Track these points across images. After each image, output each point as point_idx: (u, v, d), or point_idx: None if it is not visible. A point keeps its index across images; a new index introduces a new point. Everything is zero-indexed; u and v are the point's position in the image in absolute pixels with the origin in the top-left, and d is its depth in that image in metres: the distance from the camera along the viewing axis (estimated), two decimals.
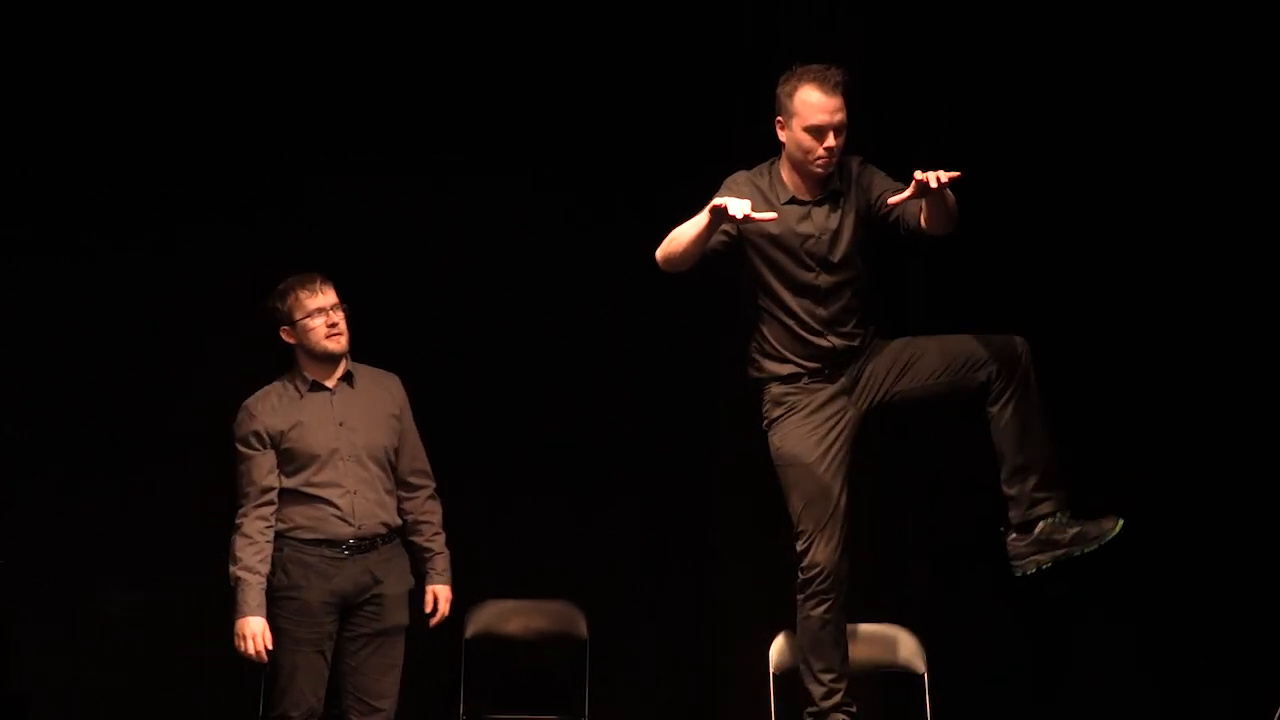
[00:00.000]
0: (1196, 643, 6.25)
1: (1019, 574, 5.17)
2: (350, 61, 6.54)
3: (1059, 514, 5.11)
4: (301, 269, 5.61)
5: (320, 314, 5.51)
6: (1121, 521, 5.07)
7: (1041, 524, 5.10)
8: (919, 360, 5.21)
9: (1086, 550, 5.09)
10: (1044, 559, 5.12)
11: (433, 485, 5.71)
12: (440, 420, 6.43)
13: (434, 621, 5.69)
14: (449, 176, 6.54)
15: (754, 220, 4.93)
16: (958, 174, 4.83)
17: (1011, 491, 5.14)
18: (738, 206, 4.87)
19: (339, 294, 5.57)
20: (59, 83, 6.47)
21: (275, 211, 6.47)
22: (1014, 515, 5.14)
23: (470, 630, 6.40)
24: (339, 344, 5.53)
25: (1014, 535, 5.15)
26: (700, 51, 6.49)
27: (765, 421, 5.29)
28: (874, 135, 5.78)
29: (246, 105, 6.52)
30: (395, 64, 6.55)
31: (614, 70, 6.55)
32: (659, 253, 5.06)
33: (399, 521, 5.60)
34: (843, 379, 5.22)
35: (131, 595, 6.48)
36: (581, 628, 6.41)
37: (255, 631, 5.37)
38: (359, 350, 5.66)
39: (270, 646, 5.37)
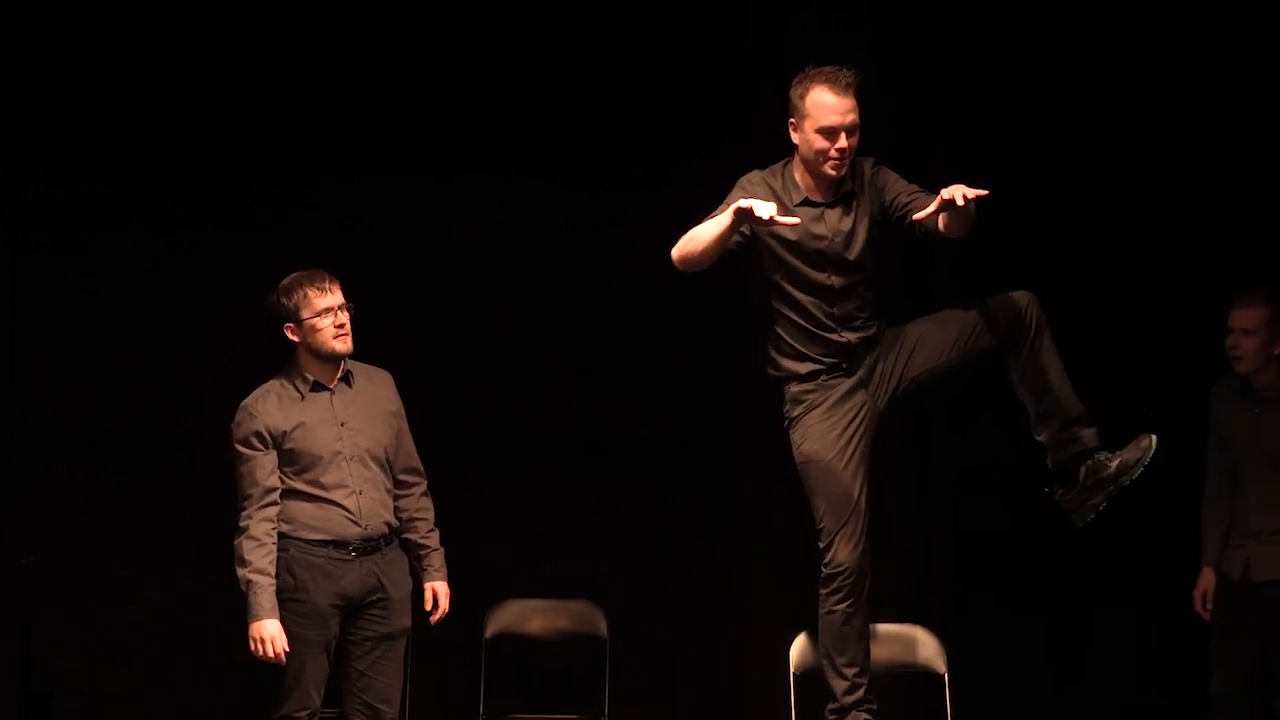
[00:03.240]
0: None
1: (1079, 525, 5.16)
2: (363, 55, 6.53)
3: (1096, 453, 5.11)
4: (332, 269, 5.52)
5: (329, 314, 5.42)
6: (1155, 437, 5.06)
7: (1083, 469, 5.10)
8: (926, 340, 5.21)
9: (1134, 477, 5.07)
10: (1097, 501, 5.11)
11: (425, 482, 5.65)
12: (461, 419, 6.48)
13: (435, 618, 5.63)
14: (472, 176, 6.53)
15: (778, 224, 4.95)
16: (984, 193, 4.83)
17: (1041, 438, 5.16)
18: (764, 209, 4.86)
19: (351, 293, 5.49)
20: (85, 88, 6.48)
21: (300, 212, 6.46)
22: (1050, 461, 5.14)
23: (490, 630, 6.41)
24: (345, 345, 5.45)
25: (1061, 490, 5.15)
26: (715, 50, 6.48)
27: (786, 420, 5.28)
28: (891, 130, 5.79)
29: (269, 109, 6.52)
30: (409, 61, 6.54)
31: (631, 67, 6.53)
32: (676, 253, 5.05)
33: (398, 521, 5.56)
34: (859, 371, 5.22)
35: (154, 595, 6.49)
36: (602, 627, 6.41)
37: (272, 634, 5.32)
38: (382, 351, 5.65)
39: (288, 649, 5.34)
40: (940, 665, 5.81)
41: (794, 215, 5.06)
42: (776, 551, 6.37)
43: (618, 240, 6.37)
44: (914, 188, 5.13)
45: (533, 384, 6.61)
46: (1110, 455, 5.10)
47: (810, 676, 5.60)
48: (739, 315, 5.53)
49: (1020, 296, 5.15)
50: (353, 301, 5.46)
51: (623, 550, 6.61)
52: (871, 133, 5.18)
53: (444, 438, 6.01)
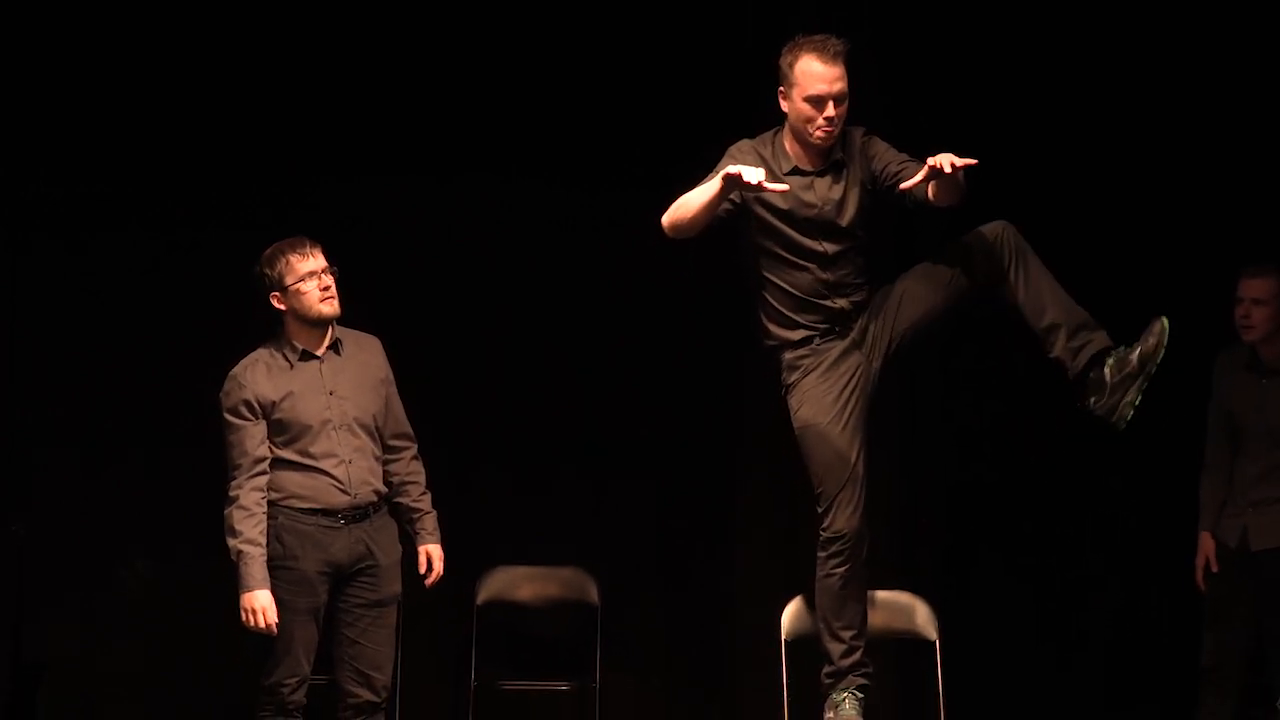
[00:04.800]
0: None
1: (1122, 427, 5.03)
2: (363, 55, 6.52)
3: (1111, 351, 5.03)
4: (337, 259, 5.53)
5: (312, 277, 5.41)
6: (1165, 318, 4.99)
7: (1107, 370, 5.00)
8: (911, 293, 5.21)
9: (1159, 360, 4.96)
10: (1131, 396, 4.99)
11: (415, 446, 5.65)
12: (460, 390, 6.48)
13: (430, 581, 5.64)
14: (472, 176, 6.52)
15: (766, 190, 4.94)
16: (973, 161, 4.83)
17: (1054, 354, 5.08)
18: (753, 174, 4.87)
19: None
20: (85, 88, 6.47)
21: (300, 212, 6.34)
22: (1070, 375, 5.06)
23: (482, 596, 6.41)
24: (333, 307, 5.44)
25: (1093, 399, 5.04)
26: (715, 50, 6.48)
27: (782, 388, 5.29)
28: (890, 128, 5.81)
29: (269, 109, 6.51)
30: (409, 61, 6.53)
31: (631, 68, 6.53)
32: (666, 219, 5.06)
33: (386, 488, 5.56)
34: (852, 333, 5.23)
35: (149, 568, 6.49)
36: (593, 594, 6.42)
37: (263, 605, 5.33)
38: (384, 331, 5.66)
39: (278, 620, 5.34)
40: (931, 632, 5.81)
41: (783, 183, 5.07)
42: (770, 519, 6.41)
43: (618, 240, 6.35)
44: (904, 157, 5.14)
45: (530, 354, 6.61)
46: (1128, 348, 5.01)
47: (802, 644, 5.61)
48: (739, 289, 5.53)
49: (994, 227, 5.14)
50: (336, 265, 5.46)
51: (615, 517, 6.61)
52: (876, 119, 5.24)
53: (443, 434, 6.01)
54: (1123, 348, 5.03)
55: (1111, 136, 6.47)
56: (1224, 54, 6.41)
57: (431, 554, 5.64)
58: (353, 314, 5.55)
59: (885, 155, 5.16)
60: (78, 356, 6.49)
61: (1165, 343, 4.97)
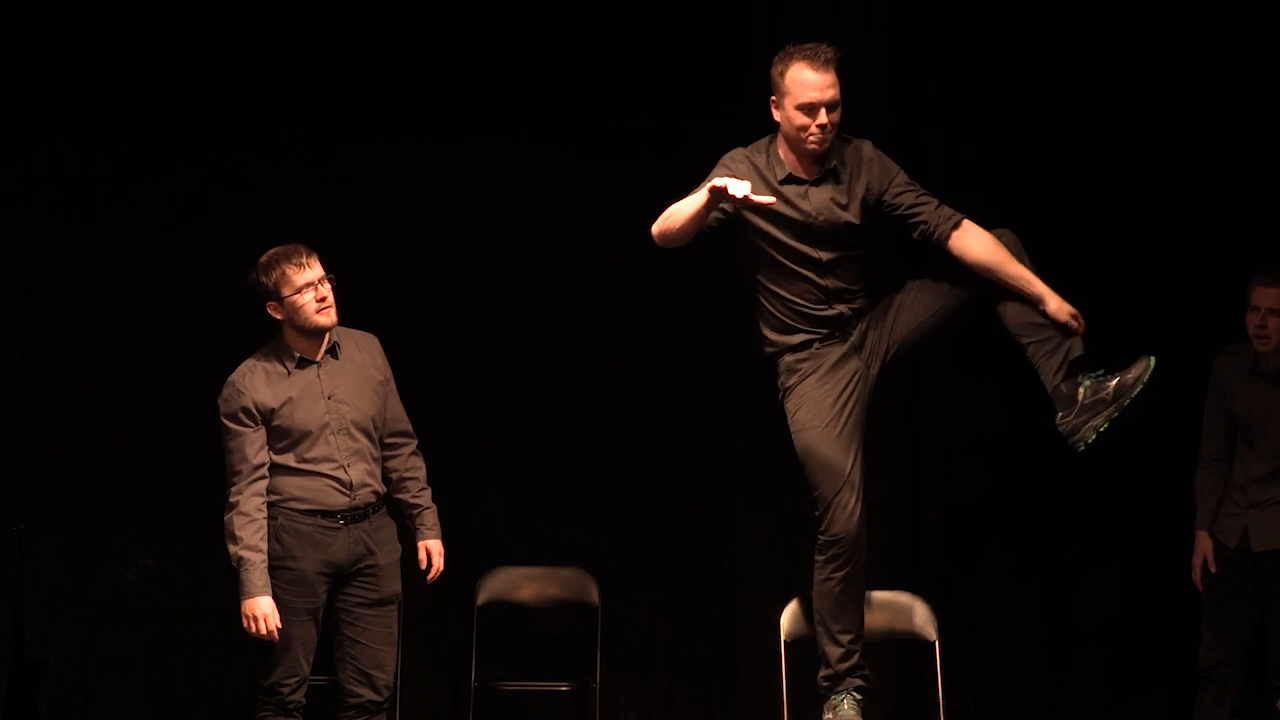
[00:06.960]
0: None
1: (1081, 448, 5.04)
2: (374, 26, 6.53)
3: (1088, 371, 5.02)
4: (332, 235, 5.50)
5: (309, 289, 5.38)
6: (1153, 358, 4.98)
7: (1080, 388, 5.01)
8: (910, 301, 5.22)
9: (1134, 396, 4.97)
10: (1099, 422, 4.99)
11: (415, 442, 5.64)
12: (454, 386, 6.49)
13: (431, 577, 5.64)
14: (472, 143, 6.53)
15: (753, 203, 4.94)
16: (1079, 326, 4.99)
17: (1027, 357, 5.09)
18: (738, 187, 4.87)
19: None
20: (110, 66, 6.47)
21: (309, 179, 6.44)
22: (1042, 377, 5.06)
23: (482, 597, 6.42)
24: (329, 318, 5.41)
25: (1060, 414, 5.04)
26: (717, 47, 6.50)
27: (780, 392, 5.29)
28: (889, 119, 5.81)
29: (276, 70, 6.50)
30: (413, 43, 6.54)
31: (631, 67, 6.54)
32: (655, 229, 5.06)
33: (384, 488, 5.55)
34: (852, 337, 5.24)
35: (150, 562, 6.49)
36: (593, 594, 6.43)
37: (265, 612, 5.32)
38: (378, 318, 5.65)
39: (280, 626, 5.34)
40: (931, 632, 5.81)
41: (779, 192, 5.08)
42: (770, 520, 6.40)
43: (618, 240, 6.33)
44: (919, 189, 5.17)
45: (526, 350, 6.60)
46: (1109, 375, 5.00)
47: (801, 644, 5.61)
48: (737, 283, 5.53)
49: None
50: (333, 273, 5.43)
51: (616, 517, 6.61)
52: (869, 129, 5.25)
53: (443, 434, 6.01)
54: (1102, 372, 5.03)
55: (1115, 135, 6.47)
56: (1227, 55, 6.42)
57: (431, 549, 5.63)
58: (352, 316, 5.54)
59: (902, 186, 5.17)
60: (78, 356, 6.49)
61: (1146, 381, 4.98)
